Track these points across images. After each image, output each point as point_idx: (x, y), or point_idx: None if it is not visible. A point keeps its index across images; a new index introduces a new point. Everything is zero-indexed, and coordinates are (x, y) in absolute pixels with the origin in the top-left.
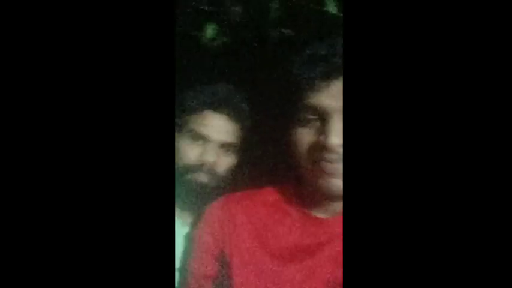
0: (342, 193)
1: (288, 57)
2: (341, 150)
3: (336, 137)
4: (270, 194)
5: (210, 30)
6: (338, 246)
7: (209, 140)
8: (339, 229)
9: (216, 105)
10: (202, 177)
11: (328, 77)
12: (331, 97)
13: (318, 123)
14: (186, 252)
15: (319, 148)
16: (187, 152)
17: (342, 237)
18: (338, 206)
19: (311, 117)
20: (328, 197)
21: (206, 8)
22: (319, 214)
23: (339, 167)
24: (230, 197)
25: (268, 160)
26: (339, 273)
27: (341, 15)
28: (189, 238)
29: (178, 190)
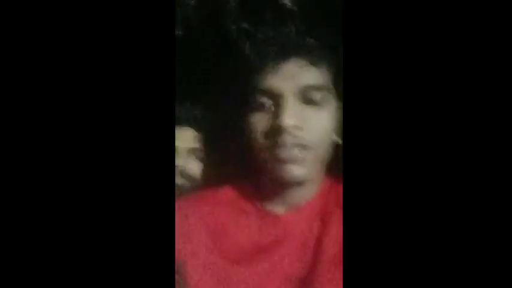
0: (298, 180)
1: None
2: (297, 132)
3: (289, 119)
4: (226, 193)
5: None
6: (294, 242)
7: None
8: (294, 225)
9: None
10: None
11: (281, 60)
12: (284, 80)
13: (272, 108)
14: None
15: (275, 133)
16: None
17: (297, 232)
18: (294, 196)
19: (265, 101)
20: (285, 186)
21: None
22: (277, 208)
23: (295, 151)
24: (184, 200)
25: (228, 155)
26: (296, 268)
27: (295, 9)
28: None
29: None
